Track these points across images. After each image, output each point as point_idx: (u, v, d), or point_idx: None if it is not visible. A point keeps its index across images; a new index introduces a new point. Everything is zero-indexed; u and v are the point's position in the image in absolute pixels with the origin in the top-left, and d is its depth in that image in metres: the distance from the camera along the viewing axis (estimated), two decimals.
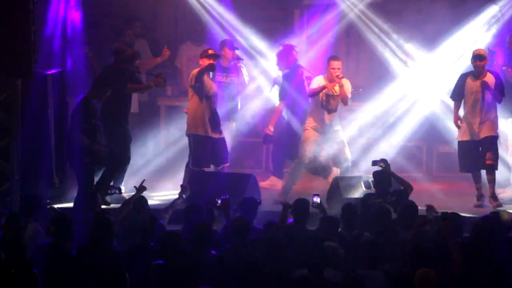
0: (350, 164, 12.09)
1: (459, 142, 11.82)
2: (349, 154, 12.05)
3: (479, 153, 11.62)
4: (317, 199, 9.63)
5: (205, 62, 11.82)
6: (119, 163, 11.42)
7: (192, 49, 14.16)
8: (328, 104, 11.89)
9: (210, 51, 11.89)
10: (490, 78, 11.56)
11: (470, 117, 11.67)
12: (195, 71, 11.81)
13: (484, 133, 11.58)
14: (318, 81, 11.89)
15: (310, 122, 11.97)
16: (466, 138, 11.71)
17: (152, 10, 14.78)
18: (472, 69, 11.75)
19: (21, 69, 10.25)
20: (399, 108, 13.55)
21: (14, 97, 10.67)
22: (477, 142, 11.62)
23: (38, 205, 9.35)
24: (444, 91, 13.05)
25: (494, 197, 11.60)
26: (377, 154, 12.37)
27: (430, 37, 13.74)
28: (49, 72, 11.43)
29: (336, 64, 11.79)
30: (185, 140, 12.21)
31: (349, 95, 11.93)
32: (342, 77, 11.76)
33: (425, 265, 7.47)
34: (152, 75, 11.79)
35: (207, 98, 11.81)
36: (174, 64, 14.25)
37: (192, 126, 11.82)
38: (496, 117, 11.72)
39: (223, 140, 12.01)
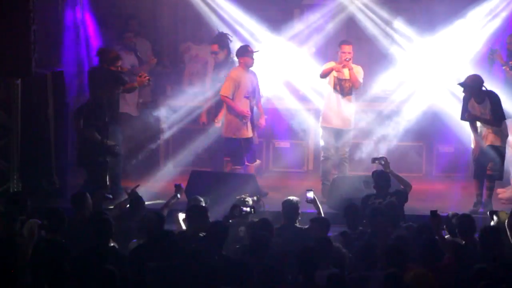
0: (347, 155, 12.10)
1: (472, 149, 11.65)
2: (347, 154, 12.09)
3: (484, 162, 11.41)
4: (310, 194, 9.62)
5: (248, 61, 11.80)
6: (112, 164, 11.46)
7: (193, 48, 14.16)
8: (340, 88, 11.92)
9: (249, 49, 11.87)
10: (487, 105, 11.28)
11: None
12: (228, 83, 11.73)
13: (489, 142, 11.35)
14: (328, 65, 12.02)
15: (324, 116, 12.02)
16: (475, 145, 11.51)
17: (152, 10, 14.77)
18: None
19: (21, 69, 10.25)
20: (398, 98, 13.55)
21: (14, 97, 10.68)
22: (483, 150, 11.39)
23: (24, 201, 9.33)
24: (445, 79, 13.08)
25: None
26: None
27: (428, 27, 13.72)
28: (49, 72, 11.45)
29: (346, 48, 11.87)
30: (185, 140, 12.27)
31: (361, 80, 11.95)
32: (349, 59, 11.81)
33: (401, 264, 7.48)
34: (135, 75, 11.81)
35: (244, 99, 11.80)
36: (179, 63, 14.26)
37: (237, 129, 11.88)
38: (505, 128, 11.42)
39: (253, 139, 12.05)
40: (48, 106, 11.33)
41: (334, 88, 11.96)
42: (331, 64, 12.02)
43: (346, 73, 11.93)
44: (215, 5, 13.84)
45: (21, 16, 10.17)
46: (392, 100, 13.51)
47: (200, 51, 14.08)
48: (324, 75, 11.95)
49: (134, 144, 12.97)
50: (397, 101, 13.47)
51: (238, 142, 11.86)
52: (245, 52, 11.85)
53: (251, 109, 11.90)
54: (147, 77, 11.55)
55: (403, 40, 13.75)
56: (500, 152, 11.33)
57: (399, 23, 13.74)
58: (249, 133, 11.87)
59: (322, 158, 12.17)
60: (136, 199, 9.66)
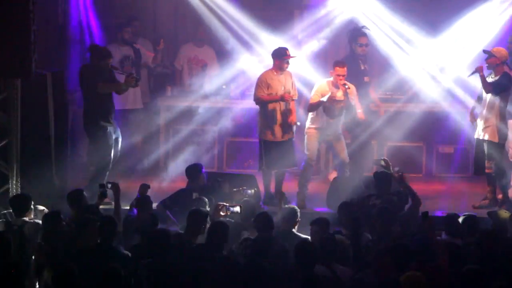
0: (347, 160, 11.96)
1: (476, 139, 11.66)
2: (347, 157, 11.98)
3: (482, 156, 11.43)
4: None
5: (283, 65, 11.55)
6: (101, 165, 11.44)
7: (193, 50, 14.16)
8: (330, 109, 11.67)
9: (288, 53, 11.56)
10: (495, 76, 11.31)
11: (480, 115, 11.51)
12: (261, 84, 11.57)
13: (486, 137, 11.37)
14: (322, 89, 11.64)
15: (312, 124, 11.79)
16: (476, 136, 11.57)
17: (152, 10, 14.78)
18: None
19: (21, 69, 10.25)
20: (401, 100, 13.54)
21: (14, 97, 10.68)
22: (481, 142, 11.44)
23: (28, 203, 9.39)
24: (449, 78, 13.07)
25: (499, 201, 11.46)
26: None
27: (433, 23, 13.61)
28: (49, 72, 11.45)
29: (340, 71, 11.57)
30: (184, 141, 12.30)
31: (353, 102, 11.70)
32: (345, 83, 11.57)
33: (407, 264, 7.46)
34: (123, 74, 11.75)
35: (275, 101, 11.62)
36: (173, 63, 14.24)
37: (261, 131, 11.71)
38: (501, 121, 11.36)
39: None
40: (48, 106, 11.33)
41: (323, 110, 11.67)
42: (325, 89, 11.60)
43: (339, 94, 11.66)
44: (214, 5, 13.87)
45: (21, 16, 10.17)
46: (394, 101, 13.54)
47: (200, 53, 14.11)
48: (312, 109, 11.66)
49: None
50: (399, 102, 13.49)
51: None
52: (284, 57, 11.49)
53: (282, 113, 11.60)
54: (134, 78, 11.48)
55: (403, 42, 13.73)
56: (494, 147, 11.34)
57: (401, 24, 13.70)
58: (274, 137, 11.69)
59: (303, 164, 11.89)
60: (143, 199, 9.71)
